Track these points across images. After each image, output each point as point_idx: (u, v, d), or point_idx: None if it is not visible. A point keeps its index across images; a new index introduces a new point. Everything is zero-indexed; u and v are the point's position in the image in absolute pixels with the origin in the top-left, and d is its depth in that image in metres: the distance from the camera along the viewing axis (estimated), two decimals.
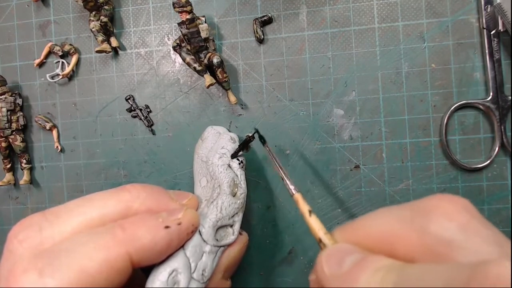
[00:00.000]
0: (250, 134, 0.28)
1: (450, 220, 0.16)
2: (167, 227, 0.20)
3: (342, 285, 0.16)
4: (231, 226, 0.26)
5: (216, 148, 0.29)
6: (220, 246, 0.24)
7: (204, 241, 0.23)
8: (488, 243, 0.15)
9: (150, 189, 0.22)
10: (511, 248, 0.14)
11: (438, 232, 0.15)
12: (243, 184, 0.28)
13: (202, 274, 0.22)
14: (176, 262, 0.21)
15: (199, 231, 0.23)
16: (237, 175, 0.28)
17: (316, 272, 0.18)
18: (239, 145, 0.29)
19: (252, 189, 0.33)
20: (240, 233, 0.27)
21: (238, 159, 0.28)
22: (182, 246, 0.22)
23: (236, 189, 0.27)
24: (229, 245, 0.25)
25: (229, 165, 0.28)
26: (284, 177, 0.24)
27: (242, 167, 0.28)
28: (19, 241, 0.18)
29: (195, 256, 0.22)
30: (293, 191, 0.23)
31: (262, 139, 0.28)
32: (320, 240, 0.19)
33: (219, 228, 0.25)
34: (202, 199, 0.27)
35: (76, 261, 0.17)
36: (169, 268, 0.20)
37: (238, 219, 0.26)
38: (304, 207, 0.21)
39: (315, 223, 0.20)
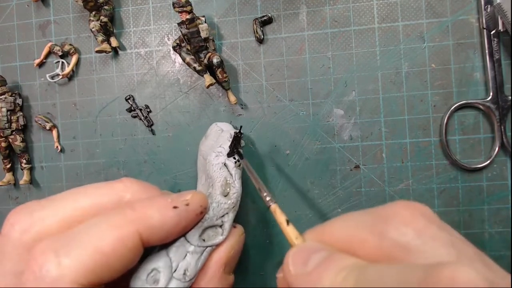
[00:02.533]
0: (237, 131, 0.28)
1: (407, 226, 0.16)
2: (175, 207, 0.21)
3: (307, 284, 0.17)
4: (220, 226, 0.25)
5: (215, 146, 0.29)
6: (207, 246, 0.24)
7: (188, 241, 0.23)
8: (444, 246, 0.15)
9: (142, 184, 0.22)
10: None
11: (395, 237, 0.16)
12: (237, 184, 0.27)
13: (184, 274, 0.22)
14: (157, 262, 0.21)
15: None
16: (231, 174, 0.27)
17: (283, 270, 0.18)
18: (229, 145, 0.28)
19: (252, 189, 0.33)
20: (234, 226, 0.26)
21: (234, 158, 0.28)
22: (165, 247, 0.22)
23: (228, 189, 0.27)
24: (218, 244, 0.25)
25: (224, 164, 0.28)
26: (261, 188, 0.25)
27: (239, 166, 0.28)
28: (11, 224, 0.19)
29: (177, 256, 0.22)
30: (270, 203, 0.23)
31: (239, 154, 0.28)
32: None
33: (207, 228, 0.24)
34: None
35: (89, 241, 0.18)
36: (149, 267, 0.21)
37: (228, 219, 0.26)
38: (281, 217, 0.22)
39: (292, 232, 0.21)
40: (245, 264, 0.34)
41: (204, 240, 0.24)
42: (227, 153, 0.28)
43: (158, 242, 0.20)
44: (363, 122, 0.32)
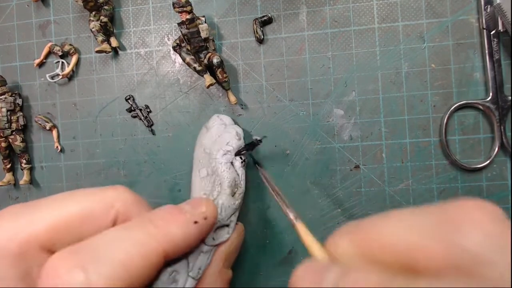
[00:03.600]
0: (259, 138, 0.28)
1: (480, 232, 0.14)
2: (195, 222, 0.20)
3: None
4: (228, 225, 0.26)
5: (220, 142, 0.29)
6: (215, 245, 0.25)
7: (204, 242, 0.23)
8: None
9: (134, 195, 0.22)
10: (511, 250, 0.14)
11: (466, 245, 0.14)
12: (242, 184, 0.28)
13: (198, 272, 0.23)
14: (176, 264, 0.21)
15: None
16: (238, 175, 0.28)
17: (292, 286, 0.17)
18: (245, 145, 0.29)
19: (252, 189, 0.33)
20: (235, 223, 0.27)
21: (241, 158, 0.28)
22: None
23: (236, 189, 0.27)
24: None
25: (231, 163, 0.28)
26: (282, 204, 0.24)
27: (244, 166, 0.29)
28: None
29: (193, 257, 0.23)
30: (294, 220, 0.22)
31: (258, 163, 0.28)
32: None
33: (217, 228, 0.25)
34: (200, 192, 0.27)
35: (117, 257, 0.17)
36: (169, 268, 0.21)
37: (234, 218, 0.27)
38: (307, 237, 0.20)
39: (317, 252, 0.19)
40: (245, 264, 0.34)
41: (214, 239, 0.25)
42: (235, 152, 0.28)
43: (179, 255, 0.20)
44: (363, 122, 0.33)
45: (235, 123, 0.32)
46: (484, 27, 0.31)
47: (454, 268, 0.14)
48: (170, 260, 0.21)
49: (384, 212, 0.16)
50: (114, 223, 0.20)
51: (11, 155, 0.37)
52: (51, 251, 0.18)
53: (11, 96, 0.36)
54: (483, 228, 0.14)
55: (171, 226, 0.19)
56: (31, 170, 0.37)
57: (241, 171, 0.28)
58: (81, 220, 0.19)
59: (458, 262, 0.14)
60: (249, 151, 0.29)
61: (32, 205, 0.20)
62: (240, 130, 0.30)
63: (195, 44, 0.31)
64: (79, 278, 0.16)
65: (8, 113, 0.35)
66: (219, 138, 0.29)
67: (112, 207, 0.20)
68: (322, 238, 0.19)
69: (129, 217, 0.20)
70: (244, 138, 0.30)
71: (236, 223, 0.27)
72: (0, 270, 0.18)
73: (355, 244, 0.17)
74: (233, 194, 0.27)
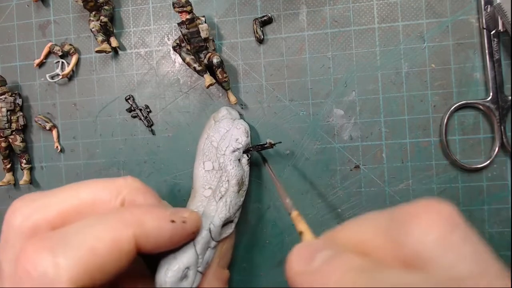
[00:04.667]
0: (273, 142, 0.29)
1: (427, 233, 0.14)
2: (172, 221, 0.21)
3: (311, 284, 0.16)
4: (232, 221, 0.27)
5: (230, 138, 0.29)
6: (220, 241, 0.26)
7: (212, 238, 0.24)
8: (466, 261, 0.14)
9: (144, 186, 0.22)
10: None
11: (413, 246, 0.14)
12: (247, 181, 0.28)
13: (204, 267, 0.24)
14: (189, 259, 0.22)
15: (209, 229, 0.24)
16: (244, 172, 0.28)
17: (286, 268, 0.18)
18: (258, 145, 0.29)
19: (252, 189, 0.33)
20: None
21: (247, 155, 0.29)
22: (193, 243, 0.23)
23: (242, 187, 0.28)
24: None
25: (239, 160, 0.28)
26: (283, 195, 0.25)
27: (249, 163, 0.29)
28: (13, 211, 0.20)
29: (202, 252, 0.23)
30: (291, 210, 0.23)
31: (265, 159, 0.28)
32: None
33: (224, 225, 0.26)
34: (205, 185, 0.28)
35: (86, 241, 0.18)
36: (182, 265, 0.22)
37: (238, 214, 0.28)
38: (302, 225, 0.21)
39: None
40: (245, 264, 0.34)
41: (221, 234, 0.26)
42: (244, 149, 0.29)
43: (149, 251, 0.20)
44: (363, 122, 0.32)
45: (241, 117, 0.33)
46: (484, 27, 0.31)
47: (403, 267, 0.15)
48: (178, 256, 0.22)
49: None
50: None
51: (11, 155, 0.37)
52: None
53: (11, 96, 0.36)
54: (430, 230, 0.14)
55: (146, 216, 0.20)
56: (31, 170, 0.37)
57: (247, 169, 0.29)
58: (91, 206, 0.20)
59: (405, 262, 0.14)
60: (259, 151, 0.29)
61: (48, 192, 0.21)
62: (247, 127, 0.30)
63: (195, 44, 0.31)
64: (47, 261, 0.17)
65: (8, 113, 0.35)
66: (228, 133, 0.29)
67: (119, 193, 0.21)
68: None
69: (134, 203, 0.21)
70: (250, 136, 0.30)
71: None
72: (15, 248, 0.19)
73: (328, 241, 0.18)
74: (238, 191, 0.27)
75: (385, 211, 0.17)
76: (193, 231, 0.23)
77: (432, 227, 0.15)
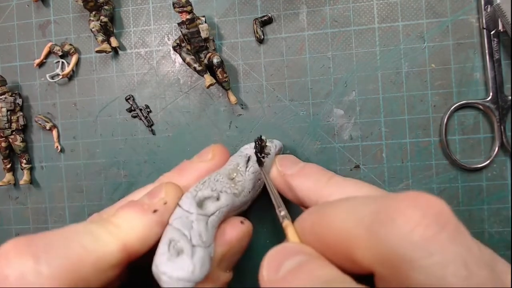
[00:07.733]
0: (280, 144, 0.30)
1: (411, 230, 0.13)
2: (155, 211, 0.20)
3: None
4: (217, 198, 0.24)
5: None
6: (209, 215, 0.23)
7: (186, 211, 0.22)
8: (453, 263, 0.13)
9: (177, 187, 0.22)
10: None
11: (396, 245, 0.13)
12: (246, 176, 0.27)
13: (200, 239, 0.21)
14: (169, 234, 0.20)
15: (179, 204, 0.22)
16: (247, 165, 0.28)
17: (259, 274, 0.17)
18: (259, 147, 0.29)
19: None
20: (241, 222, 0.25)
21: (259, 155, 0.28)
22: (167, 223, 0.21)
23: (235, 174, 0.27)
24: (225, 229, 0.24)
25: (247, 154, 0.28)
26: (276, 201, 0.23)
27: (260, 166, 0.28)
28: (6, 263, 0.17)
29: (184, 226, 0.21)
30: (283, 219, 0.21)
31: (260, 161, 0.28)
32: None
33: (205, 199, 0.23)
34: (233, 160, 0.28)
35: (72, 251, 0.17)
36: (164, 241, 0.20)
37: (225, 198, 0.24)
38: (294, 237, 0.19)
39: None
40: (245, 264, 0.34)
41: (201, 208, 0.23)
42: (255, 150, 0.28)
43: (148, 248, 0.20)
44: (363, 122, 0.33)
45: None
46: (484, 27, 0.31)
47: (382, 265, 0.13)
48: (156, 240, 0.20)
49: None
50: None
51: (11, 155, 0.37)
52: None
53: (11, 96, 0.36)
54: (415, 227, 0.13)
55: (130, 222, 0.19)
56: (31, 170, 0.37)
57: (251, 164, 0.28)
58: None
59: (388, 261, 0.13)
60: (262, 152, 0.29)
61: (42, 241, 0.18)
62: (278, 142, 0.31)
63: (195, 44, 0.31)
64: (28, 266, 0.16)
65: (8, 113, 0.35)
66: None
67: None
68: None
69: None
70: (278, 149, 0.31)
71: (242, 222, 0.26)
72: None
73: (314, 230, 0.17)
74: (231, 178, 0.26)
75: (370, 198, 0.16)
76: (176, 202, 0.22)
77: (419, 225, 0.13)
